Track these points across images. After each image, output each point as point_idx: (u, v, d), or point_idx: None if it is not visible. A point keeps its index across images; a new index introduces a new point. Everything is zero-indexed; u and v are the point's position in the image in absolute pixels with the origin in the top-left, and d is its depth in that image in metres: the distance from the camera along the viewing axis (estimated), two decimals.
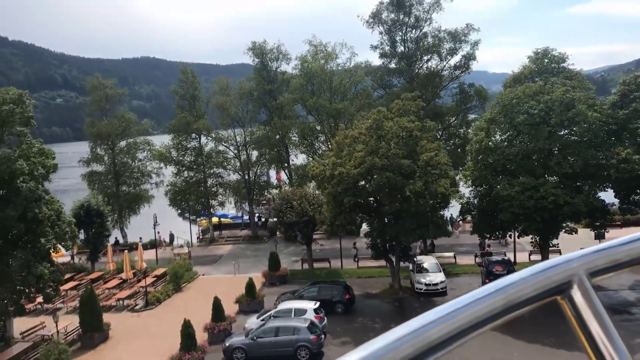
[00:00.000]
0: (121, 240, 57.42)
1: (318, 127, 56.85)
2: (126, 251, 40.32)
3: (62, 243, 31.75)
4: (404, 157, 32.06)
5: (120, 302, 36.77)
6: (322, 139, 56.62)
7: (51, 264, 29.00)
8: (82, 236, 44.59)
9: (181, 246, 46.86)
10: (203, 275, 43.66)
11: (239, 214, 64.89)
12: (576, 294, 1.13)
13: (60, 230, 29.67)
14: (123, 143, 58.50)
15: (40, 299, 30.98)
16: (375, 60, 57.21)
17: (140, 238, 56.89)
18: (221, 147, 57.36)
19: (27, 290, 28.21)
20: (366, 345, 0.95)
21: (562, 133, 34.15)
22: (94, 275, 42.59)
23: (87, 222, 44.07)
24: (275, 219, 63.17)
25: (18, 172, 27.74)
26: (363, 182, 34.37)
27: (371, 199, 35.41)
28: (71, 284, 40.29)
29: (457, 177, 36.19)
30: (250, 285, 34.71)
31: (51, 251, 30.17)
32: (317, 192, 43.65)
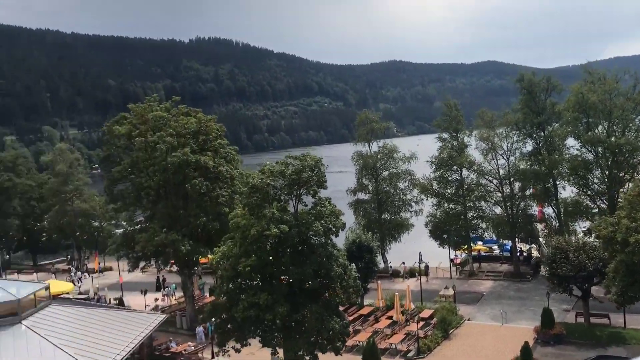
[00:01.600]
0: (382, 266, 60.17)
1: (591, 159, 52.00)
2: (397, 294, 41.95)
3: (346, 295, 34.21)
4: None
5: (393, 345, 38.34)
6: (597, 173, 51.62)
7: (340, 318, 31.47)
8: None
9: (446, 288, 47.18)
10: (469, 320, 43.29)
11: (495, 238, 63.38)
12: None
13: (347, 284, 32.01)
14: (385, 173, 61.21)
15: None
16: None
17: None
18: (483, 180, 56.27)
19: (319, 342, 31.06)
20: None
21: None
22: (364, 311, 45.12)
23: (357, 256, 47.03)
24: (538, 253, 60.12)
25: (314, 232, 30.79)
26: None
27: None
28: None
29: None
30: (526, 349, 33.23)
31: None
32: (595, 242, 40.05)
